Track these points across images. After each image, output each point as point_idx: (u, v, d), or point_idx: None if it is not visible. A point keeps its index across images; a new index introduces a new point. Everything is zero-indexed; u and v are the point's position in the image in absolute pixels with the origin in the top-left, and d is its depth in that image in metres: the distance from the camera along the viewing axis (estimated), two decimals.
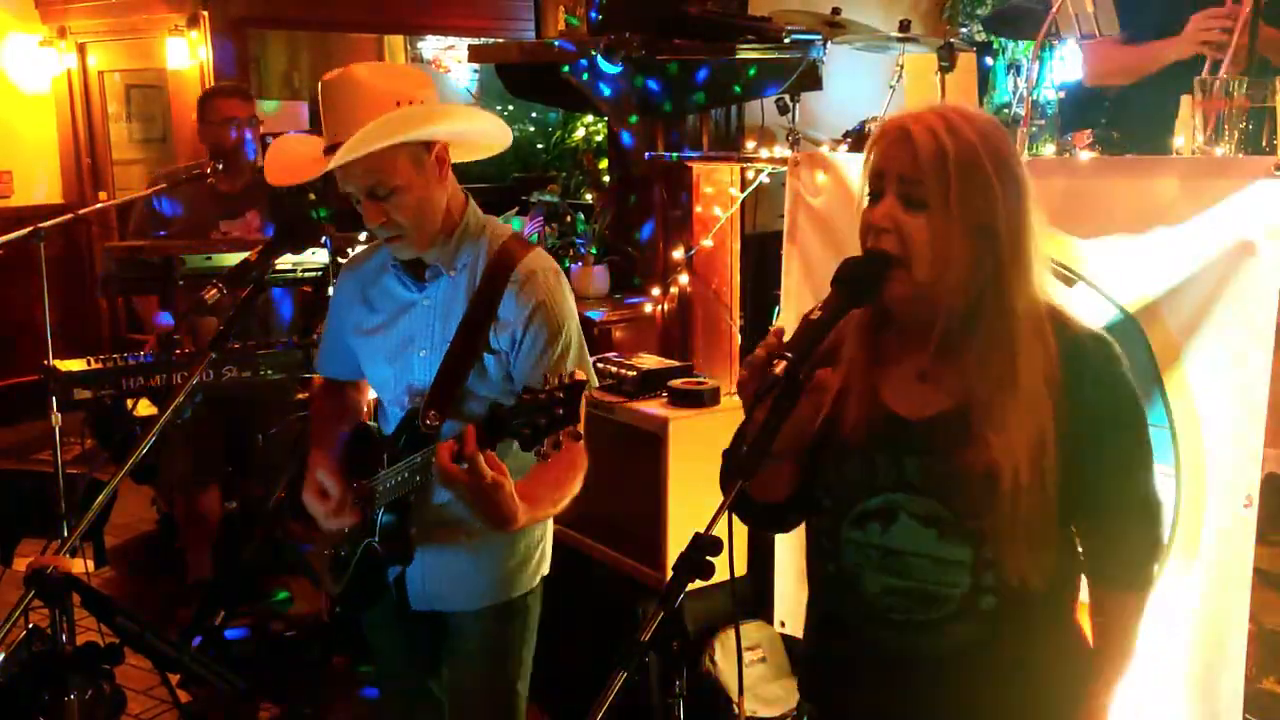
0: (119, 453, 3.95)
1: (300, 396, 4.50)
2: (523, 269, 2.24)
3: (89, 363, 3.77)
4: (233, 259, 3.50)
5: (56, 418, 3.67)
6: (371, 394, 2.54)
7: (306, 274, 3.86)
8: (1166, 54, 2.89)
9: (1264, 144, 2.49)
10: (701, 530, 1.56)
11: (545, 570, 2.48)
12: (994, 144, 1.63)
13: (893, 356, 1.74)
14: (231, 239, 4.19)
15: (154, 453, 3.19)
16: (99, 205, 5.82)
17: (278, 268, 3.29)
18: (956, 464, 1.65)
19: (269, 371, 3.89)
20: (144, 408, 3.95)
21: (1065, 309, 1.73)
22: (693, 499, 3.31)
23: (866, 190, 1.67)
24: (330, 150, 2.13)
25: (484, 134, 2.32)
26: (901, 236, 1.63)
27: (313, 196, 3.66)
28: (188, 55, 6.57)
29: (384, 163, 2.11)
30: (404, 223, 2.18)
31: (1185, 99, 2.62)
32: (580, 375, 1.88)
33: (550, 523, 2.47)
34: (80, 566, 3.94)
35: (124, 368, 3.75)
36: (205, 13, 6.46)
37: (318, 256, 3.74)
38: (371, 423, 2.50)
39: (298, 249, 2.82)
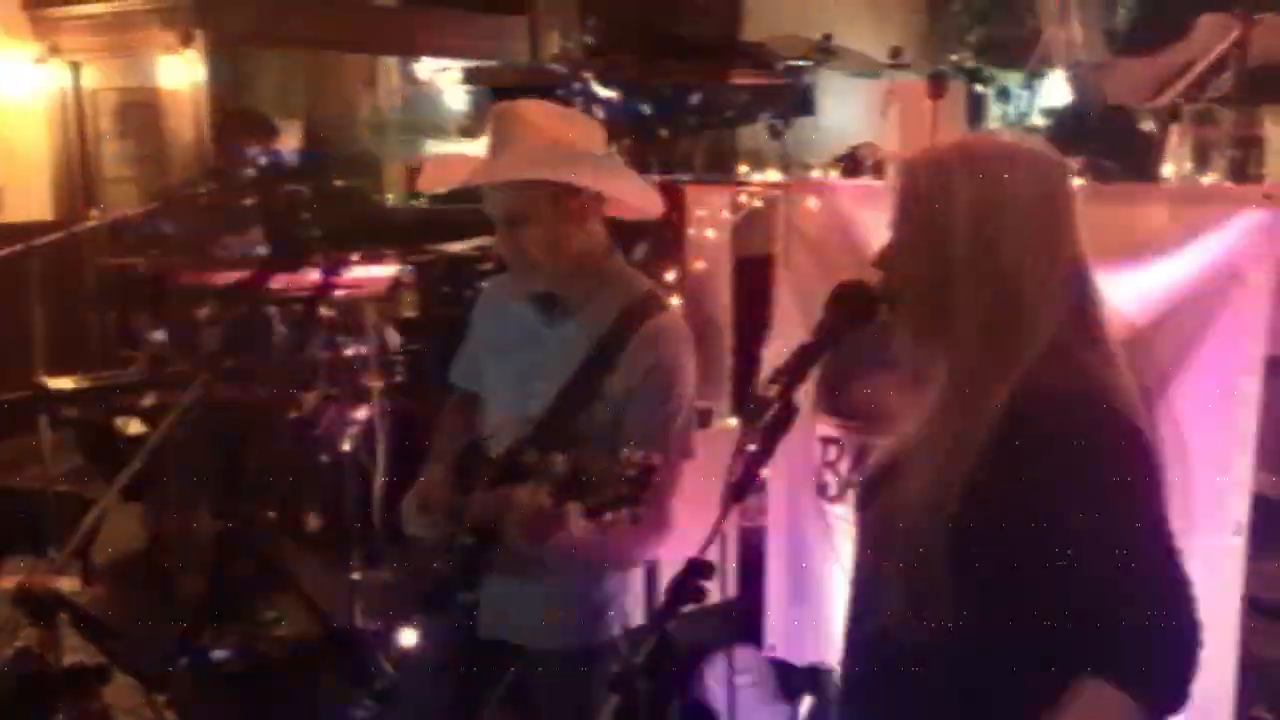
0: (108, 471, 3.94)
1: (292, 415, 4.51)
2: (651, 326, 2.26)
3: (79, 380, 3.78)
4: (226, 278, 3.50)
5: (46, 435, 3.67)
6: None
7: (298, 293, 3.86)
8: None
9: (1251, 172, 2.51)
10: (694, 554, 1.57)
11: (634, 619, 2.40)
12: (975, 170, 1.57)
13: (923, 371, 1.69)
14: (225, 258, 4.19)
15: (144, 471, 3.18)
16: (92, 223, 5.82)
17: (271, 287, 3.30)
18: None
19: (261, 390, 3.90)
20: (134, 426, 3.95)
21: (1069, 356, 1.58)
22: (686, 522, 3.30)
23: None
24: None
25: (624, 194, 2.35)
26: (886, 264, 1.67)
27: (307, 216, 3.67)
28: (182, 74, 6.57)
29: (523, 194, 2.19)
30: (531, 255, 2.24)
31: (1174, 127, 2.65)
32: (655, 460, 1.89)
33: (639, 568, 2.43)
34: (68, 585, 3.93)
35: (114, 386, 3.76)
36: (199, 31, 6.47)
37: (310, 276, 3.74)
38: (485, 440, 2.49)
39: (290, 268, 2.83)
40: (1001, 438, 1.52)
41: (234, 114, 4.68)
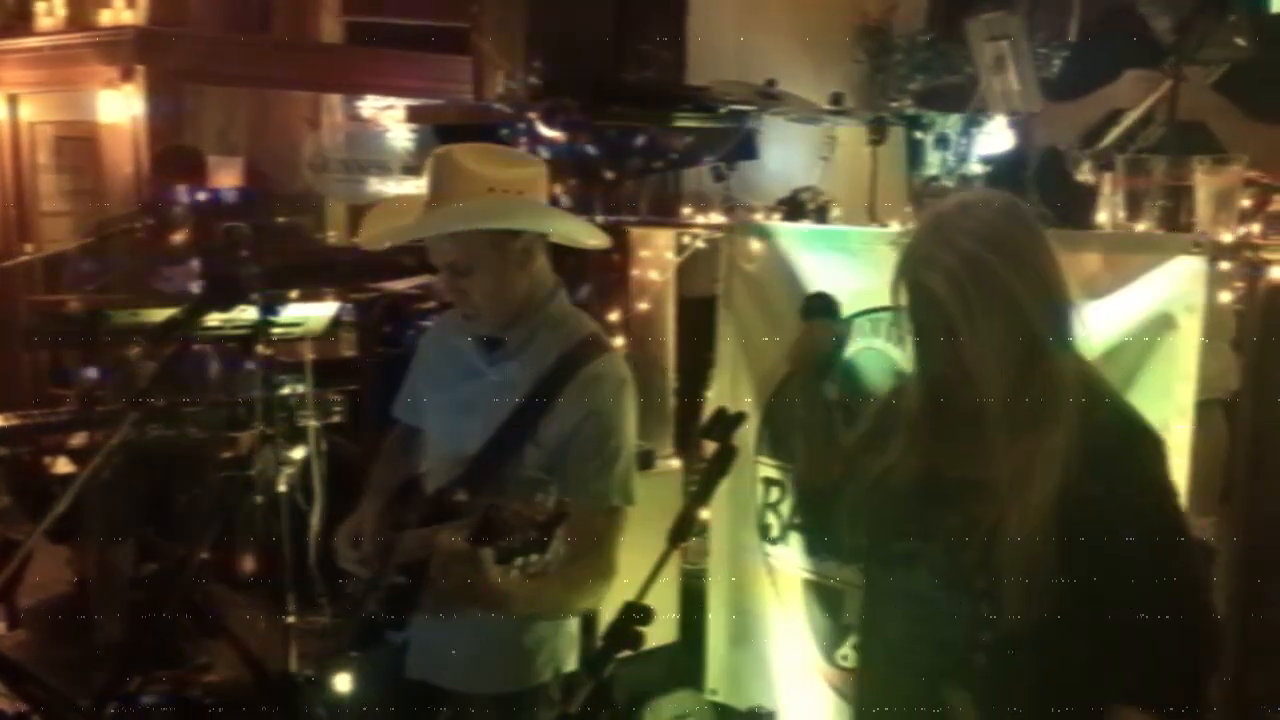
0: (35, 511, 3.85)
1: (227, 455, 4.43)
2: (590, 371, 2.23)
3: (8, 418, 3.69)
4: (160, 314, 3.44)
5: None
6: None
7: (235, 331, 3.81)
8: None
9: (1182, 220, 2.57)
10: (633, 598, 1.56)
11: (567, 664, 2.36)
12: (997, 238, 1.72)
13: (947, 419, 1.82)
14: (160, 293, 4.14)
15: (72, 511, 3.11)
16: (24, 258, 5.72)
17: (206, 324, 3.25)
18: (973, 521, 1.73)
19: (193, 430, 3.83)
20: (62, 465, 3.87)
21: (1103, 382, 1.84)
22: (626, 564, 3.28)
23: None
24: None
25: (566, 233, 2.37)
26: (952, 358, 1.74)
27: (245, 253, 3.63)
28: (122, 109, 6.51)
29: (466, 242, 2.17)
30: (478, 301, 2.23)
31: (1107, 176, 2.70)
32: (564, 508, 1.86)
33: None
34: None
35: (43, 424, 3.68)
36: (141, 67, 6.42)
37: (246, 314, 3.69)
38: (422, 476, 2.45)
39: (226, 306, 2.80)
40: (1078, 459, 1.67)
41: (167, 150, 4.64)
